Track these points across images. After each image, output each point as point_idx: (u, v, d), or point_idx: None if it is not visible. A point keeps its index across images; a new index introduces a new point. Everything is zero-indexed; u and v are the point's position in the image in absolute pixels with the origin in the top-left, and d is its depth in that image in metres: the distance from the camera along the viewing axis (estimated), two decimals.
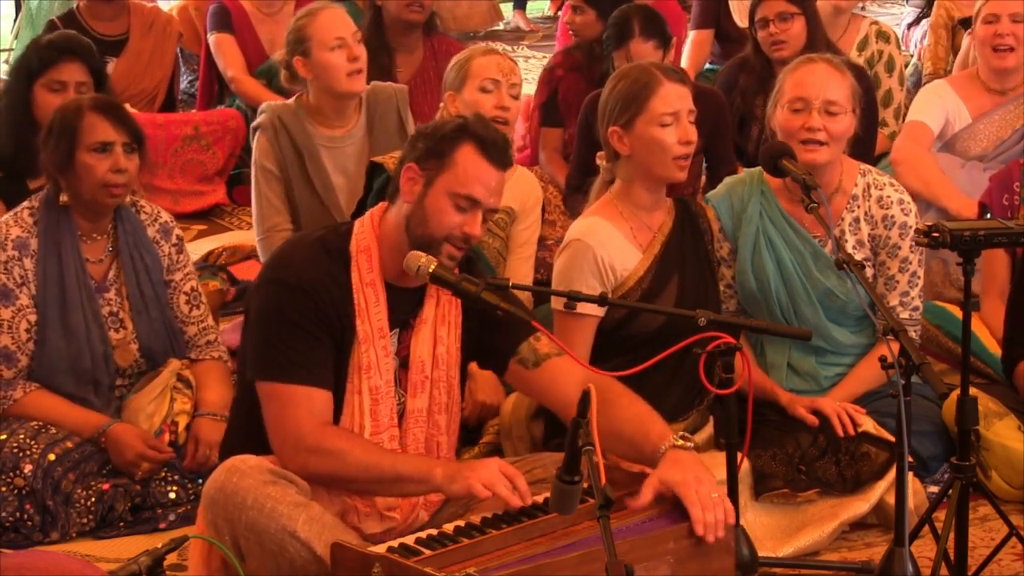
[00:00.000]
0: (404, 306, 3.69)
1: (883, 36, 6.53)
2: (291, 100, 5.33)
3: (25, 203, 4.48)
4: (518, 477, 3.41)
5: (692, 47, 7.39)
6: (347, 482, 3.55)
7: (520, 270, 4.94)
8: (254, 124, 5.36)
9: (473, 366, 4.59)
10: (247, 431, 3.69)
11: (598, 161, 4.38)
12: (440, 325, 3.71)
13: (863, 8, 6.88)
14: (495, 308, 3.46)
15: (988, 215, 4.98)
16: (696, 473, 3.37)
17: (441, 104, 4.96)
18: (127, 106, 5.90)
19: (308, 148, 5.17)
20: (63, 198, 4.40)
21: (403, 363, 3.70)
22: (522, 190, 4.97)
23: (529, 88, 9.29)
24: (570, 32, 6.55)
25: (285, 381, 3.55)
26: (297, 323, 3.56)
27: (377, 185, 4.67)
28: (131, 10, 7.03)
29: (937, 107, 5.73)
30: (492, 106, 4.79)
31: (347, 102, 5.22)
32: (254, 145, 5.29)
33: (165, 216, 4.63)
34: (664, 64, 4.48)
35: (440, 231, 3.58)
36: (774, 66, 5.75)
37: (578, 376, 3.66)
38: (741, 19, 7.40)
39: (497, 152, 3.61)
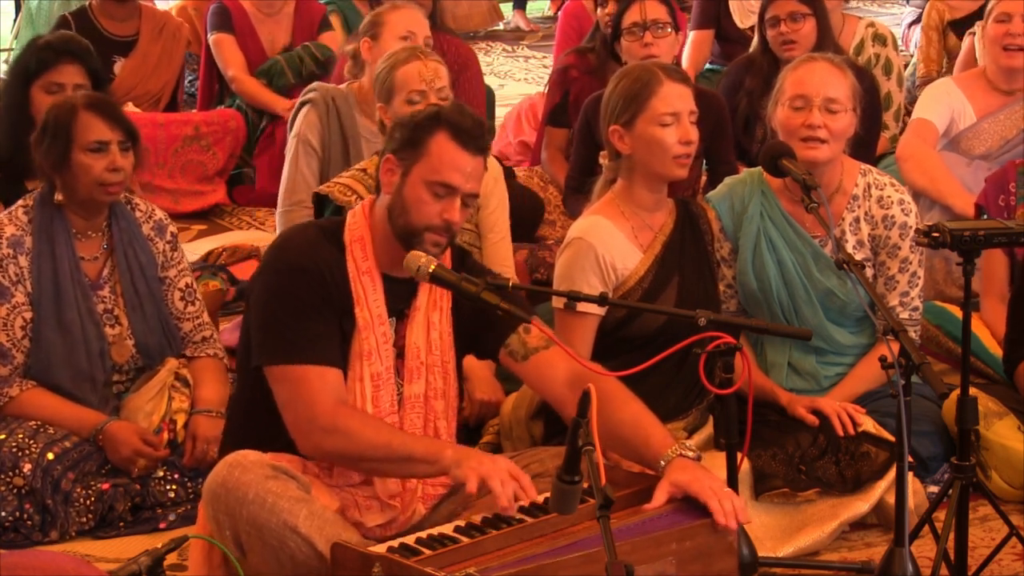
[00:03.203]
0: (400, 295, 3.71)
1: (879, 39, 6.52)
2: (343, 85, 5.35)
3: (20, 201, 4.48)
4: (523, 478, 3.42)
5: (692, 47, 7.39)
6: (359, 460, 3.57)
7: (498, 255, 4.91)
8: (302, 99, 5.39)
9: (470, 366, 4.62)
10: (245, 430, 3.71)
11: (600, 160, 4.38)
12: (432, 311, 3.73)
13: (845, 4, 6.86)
14: (495, 308, 3.48)
15: (984, 216, 4.98)
16: (706, 472, 3.44)
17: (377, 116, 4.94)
18: (130, 105, 5.94)
19: (353, 135, 5.20)
20: (58, 197, 4.40)
21: (400, 352, 3.72)
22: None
23: (528, 88, 9.34)
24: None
25: (294, 362, 3.57)
26: (301, 303, 3.58)
27: (327, 215, 4.65)
28: (143, 13, 7.06)
29: (943, 105, 5.72)
30: None
31: None
32: (300, 117, 5.32)
33: (160, 213, 4.63)
34: (666, 64, 4.48)
35: (420, 220, 3.60)
36: (781, 66, 5.74)
37: (565, 370, 3.69)
38: (741, 20, 7.40)
39: (471, 139, 3.63)
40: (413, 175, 3.62)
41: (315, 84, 5.47)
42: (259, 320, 3.66)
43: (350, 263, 3.65)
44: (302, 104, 5.38)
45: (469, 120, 3.66)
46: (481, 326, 3.76)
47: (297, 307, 3.58)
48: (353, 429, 3.52)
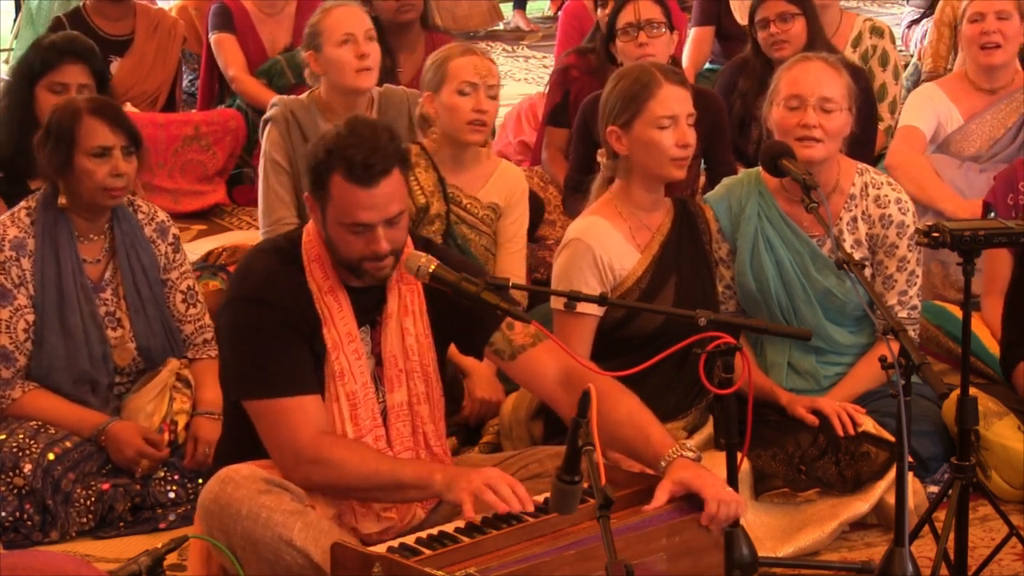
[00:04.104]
0: (368, 305, 3.68)
1: (876, 31, 6.53)
2: (303, 95, 5.35)
3: (22, 203, 4.48)
4: (517, 485, 3.42)
5: (692, 45, 7.39)
6: (348, 491, 3.55)
7: (510, 265, 4.91)
8: (265, 116, 5.36)
9: (471, 364, 4.62)
10: (238, 436, 3.69)
11: (599, 158, 4.38)
12: (404, 316, 3.70)
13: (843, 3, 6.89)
14: (495, 308, 3.47)
15: (992, 214, 4.98)
16: (708, 471, 3.44)
17: (419, 103, 4.94)
18: (128, 105, 5.93)
19: None
20: (61, 200, 4.40)
21: (378, 360, 3.70)
22: (507, 184, 4.95)
23: (528, 88, 9.34)
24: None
25: (271, 396, 3.54)
26: (268, 335, 3.55)
27: None
28: (137, 11, 7.04)
29: (928, 110, 5.75)
30: (470, 109, 4.74)
31: (357, 99, 5.23)
32: (263, 137, 5.30)
33: (162, 215, 4.63)
34: (665, 66, 4.48)
35: (351, 255, 3.57)
36: (774, 67, 5.74)
37: (556, 369, 3.68)
38: (741, 17, 7.39)
39: (367, 171, 3.50)
40: (329, 217, 3.57)
41: (275, 99, 5.39)
42: (230, 356, 3.65)
43: (311, 284, 3.62)
44: (265, 122, 5.36)
45: (362, 152, 3.50)
46: (462, 325, 3.74)
47: (265, 340, 3.55)
48: (339, 459, 3.50)
